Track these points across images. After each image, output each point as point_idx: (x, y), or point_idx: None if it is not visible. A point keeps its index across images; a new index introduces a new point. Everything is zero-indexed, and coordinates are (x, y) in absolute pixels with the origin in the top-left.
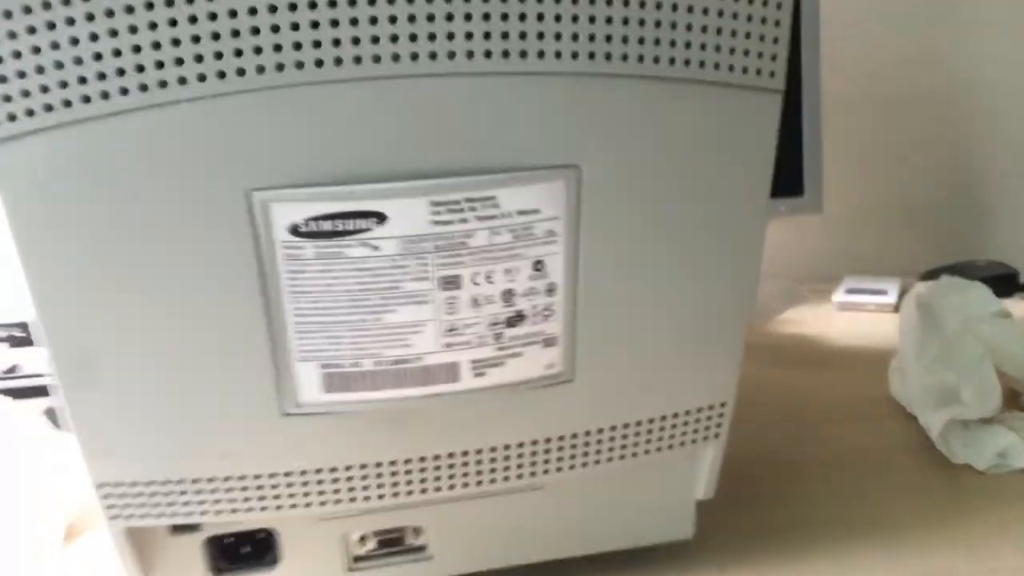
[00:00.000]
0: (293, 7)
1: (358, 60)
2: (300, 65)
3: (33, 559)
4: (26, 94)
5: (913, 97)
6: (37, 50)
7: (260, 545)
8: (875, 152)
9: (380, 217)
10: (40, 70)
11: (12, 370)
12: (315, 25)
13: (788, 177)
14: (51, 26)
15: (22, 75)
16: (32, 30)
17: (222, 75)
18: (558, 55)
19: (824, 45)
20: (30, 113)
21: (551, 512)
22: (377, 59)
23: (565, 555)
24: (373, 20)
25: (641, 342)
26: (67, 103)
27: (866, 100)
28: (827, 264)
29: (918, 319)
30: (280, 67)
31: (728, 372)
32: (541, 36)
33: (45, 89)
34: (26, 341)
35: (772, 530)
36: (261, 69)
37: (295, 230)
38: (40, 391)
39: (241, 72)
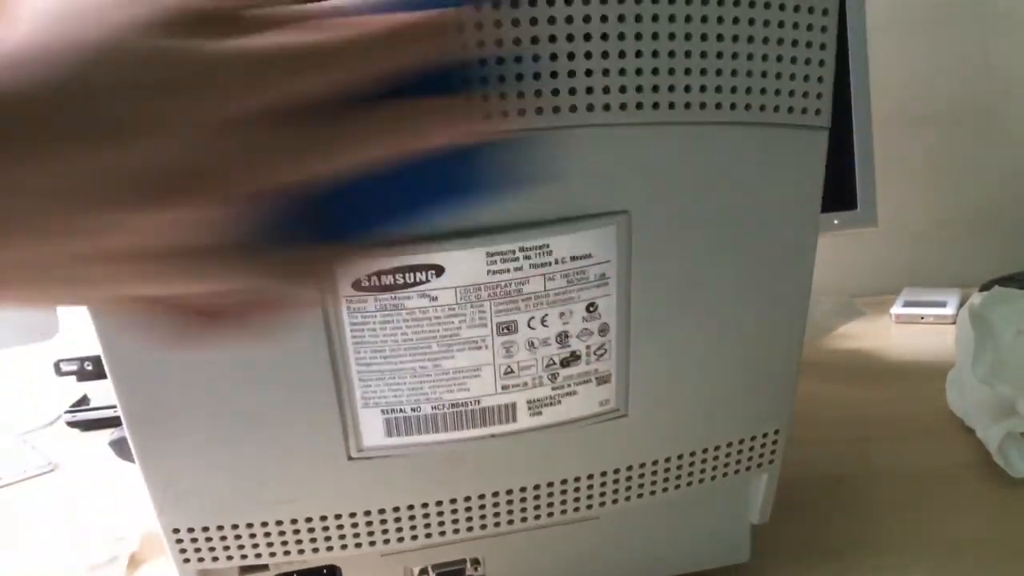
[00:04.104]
0: None
1: None
2: None
3: None
4: None
5: (969, 108)
6: None
7: None
8: (932, 164)
9: (438, 270)
10: None
11: (81, 402)
12: None
13: (841, 190)
14: None
15: None
16: None
17: None
18: (606, 108)
19: (876, 57)
20: None
21: (608, 540)
22: None
23: None
24: None
25: (693, 376)
26: None
27: (921, 112)
28: (886, 277)
29: (972, 330)
30: None
31: (782, 401)
32: (590, 91)
33: None
34: (94, 374)
35: (828, 548)
36: None
37: (358, 284)
38: (108, 423)
39: None
